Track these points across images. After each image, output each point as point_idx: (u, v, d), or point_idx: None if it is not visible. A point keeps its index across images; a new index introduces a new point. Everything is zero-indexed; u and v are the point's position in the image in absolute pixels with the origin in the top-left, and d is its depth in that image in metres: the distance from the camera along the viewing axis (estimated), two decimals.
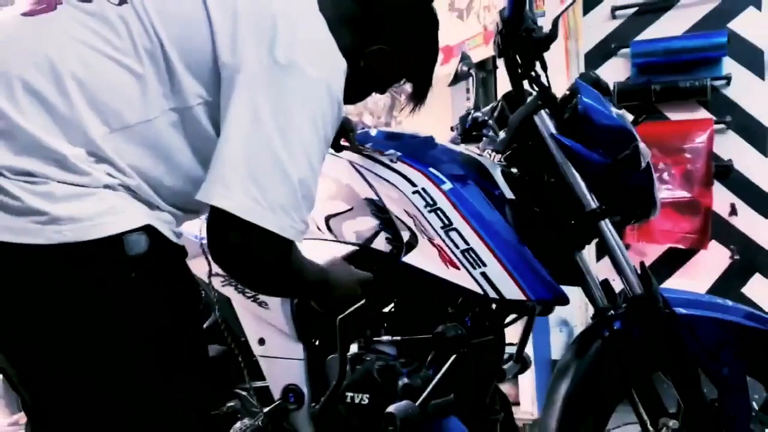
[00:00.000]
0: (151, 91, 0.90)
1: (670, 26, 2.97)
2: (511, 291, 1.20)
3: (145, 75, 0.89)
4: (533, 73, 1.28)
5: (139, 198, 0.90)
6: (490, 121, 1.46)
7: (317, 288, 1.14)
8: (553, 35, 1.25)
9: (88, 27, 0.89)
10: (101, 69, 0.87)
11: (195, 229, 1.38)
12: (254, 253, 0.91)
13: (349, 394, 1.27)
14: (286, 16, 0.93)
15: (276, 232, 0.89)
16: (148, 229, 0.87)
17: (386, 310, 1.40)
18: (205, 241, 0.94)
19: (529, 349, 1.62)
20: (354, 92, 1.14)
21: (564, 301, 1.24)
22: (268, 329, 1.40)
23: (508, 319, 1.40)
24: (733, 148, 2.88)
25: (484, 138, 1.50)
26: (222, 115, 0.91)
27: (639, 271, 1.24)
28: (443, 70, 3.12)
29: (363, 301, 1.30)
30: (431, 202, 1.25)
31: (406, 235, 1.30)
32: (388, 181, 1.30)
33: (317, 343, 1.43)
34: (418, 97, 1.25)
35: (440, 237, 1.24)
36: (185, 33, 0.91)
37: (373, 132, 1.44)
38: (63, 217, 0.81)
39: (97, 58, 0.88)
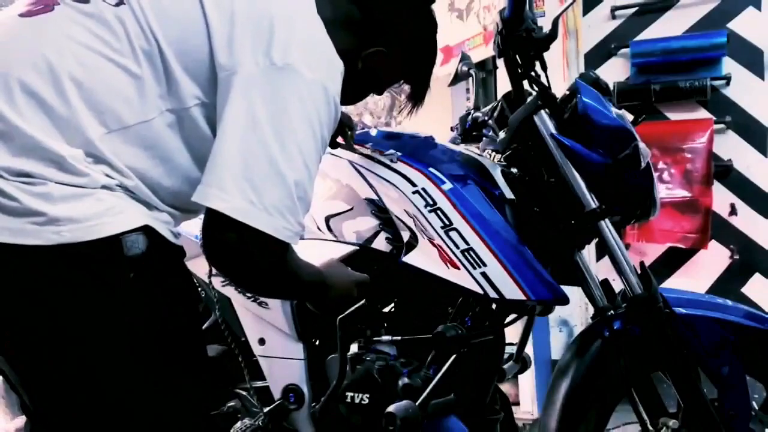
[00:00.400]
0: (148, 92, 0.90)
1: (669, 26, 2.97)
2: (511, 291, 1.20)
3: (142, 76, 0.89)
4: (533, 73, 1.28)
5: (137, 198, 0.90)
6: (490, 121, 1.46)
7: (313, 289, 1.14)
8: (553, 35, 1.25)
9: (86, 28, 0.89)
10: (99, 70, 0.87)
11: (195, 230, 1.38)
12: (249, 254, 0.91)
13: (350, 394, 1.27)
14: (284, 17, 0.93)
15: (271, 234, 0.89)
16: (146, 230, 0.87)
17: (386, 310, 1.40)
18: None
19: (529, 349, 1.62)
20: (351, 93, 1.14)
21: (564, 301, 1.24)
22: (268, 329, 1.40)
23: (508, 319, 1.40)
24: (732, 148, 2.88)
25: (484, 138, 1.50)
26: (218, 117, 0.91)
27: (639, 271, 1.24)
28: (443, 70, 3.13)
29: (363, 301, 1.30)
30: (431, 202, 1.25)
31: (406, 235, 1.30)
32: (388, 181, 1.30)
33: (317, 343, 1.43)
34: (415, 99, 1.26)
35: (440, 237, 1.24)
36: (182, 34, 0.91)
37: (373, 132, 1.44)
38: (61, 218, 0.81)
39: (95, 59, 0.88)
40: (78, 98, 0.86)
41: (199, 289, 1.54)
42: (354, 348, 1.30)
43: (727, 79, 2.85)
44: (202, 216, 0.95)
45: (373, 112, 3.89)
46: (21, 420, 2.71)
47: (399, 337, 1.30)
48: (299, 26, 0.95)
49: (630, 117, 1.39)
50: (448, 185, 1.25)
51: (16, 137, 0.83)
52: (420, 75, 1.24)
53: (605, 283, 1.31)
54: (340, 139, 1.41)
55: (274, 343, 1.40)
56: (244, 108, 0.89)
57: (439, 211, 1.24)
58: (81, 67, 0.87)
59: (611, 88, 1.95)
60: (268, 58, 0.90)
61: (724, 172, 2.88)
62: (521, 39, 1.24)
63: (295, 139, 0.90)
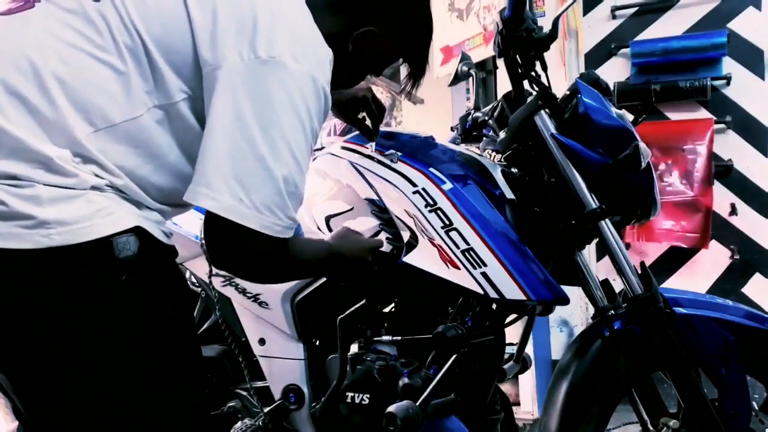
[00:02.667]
0: (134, 89, 0.88)
1: (669, 26, 2.97)
2: (512, 291, 1.20)
3: (128, 72, 0.88)
4: (533, 73, 1.28)
5: (127, 198, 0.89)
6: (490, 121, 1.46)
7: (325, 264, 1.14)
8: (553, 35, 1.25)
9: (68, 24, 0.87)
10: (83, 67, 0.86)
11: (195, 230, 1.38)
12: (245, 251, 0.92)
13: (350, 394, 1.27)
14: (267, 9, 0.91)
15: (261, 231, 0.89)
16: (138, 231, 0.87)
17: (386, 310, 1.40)
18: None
19: (529, 349, 1.62)
20: (346, 77, 1.12)
21: (564, 301, 1.24)
22: (268, 329, 1.40)
23: (508, 319, 1.40)
24: (733, 147, 2.88)
25: (484, 138, 1.50)
26: (206, 112, 0.90)
27: (639, 271, 1.24)
28: (443, 70, 3.13)
29: (363, 302, 1.30)
30: (431, 202, 1.25)
31: (406, 235, 1.30)
32: (388, 181, 1.30)
33: (317, 343, 1.43)
34: (415, 75, 1.21)
35: (440, 237, 1.24)
36: (165, 29, 0.89)
37: None
38: (50, 221, 0.80)
39: (79, 57, 0.86)
40: (63, 97, 0.84)
41: (199, 289, 1.54)
42: (354, 348, 1.30)
43: (728, 79, 2.86)
44: (201, 216, 0.95)
45: None
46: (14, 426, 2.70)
47: (399, 337, 1.30)
48: (284, 17, 0.93)
49: (630, 117, 1.39)
50: (448, 185, 1.25)
51: (2, 139, 0.81)
52: (416, 50, 1.19)
53: (605, 283, 1.31)
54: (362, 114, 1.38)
55: (274, 343, 1.40)
56: (230, 104, 0.88)
57: (439, 211, 1.24)
58: (64, 66, 0.85)
59: (611, 88, 1.95)
60: (252, 51, 0.89)
61: (724, 172, 2.88)
62: (521, 39, 1.24)
63: (282, 133, 0.89)
